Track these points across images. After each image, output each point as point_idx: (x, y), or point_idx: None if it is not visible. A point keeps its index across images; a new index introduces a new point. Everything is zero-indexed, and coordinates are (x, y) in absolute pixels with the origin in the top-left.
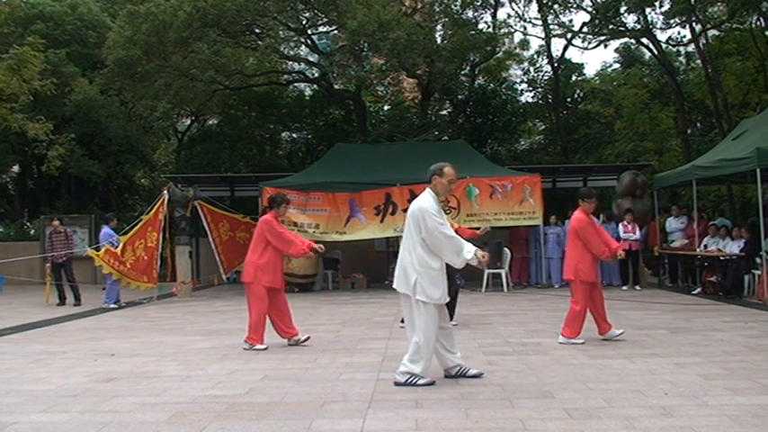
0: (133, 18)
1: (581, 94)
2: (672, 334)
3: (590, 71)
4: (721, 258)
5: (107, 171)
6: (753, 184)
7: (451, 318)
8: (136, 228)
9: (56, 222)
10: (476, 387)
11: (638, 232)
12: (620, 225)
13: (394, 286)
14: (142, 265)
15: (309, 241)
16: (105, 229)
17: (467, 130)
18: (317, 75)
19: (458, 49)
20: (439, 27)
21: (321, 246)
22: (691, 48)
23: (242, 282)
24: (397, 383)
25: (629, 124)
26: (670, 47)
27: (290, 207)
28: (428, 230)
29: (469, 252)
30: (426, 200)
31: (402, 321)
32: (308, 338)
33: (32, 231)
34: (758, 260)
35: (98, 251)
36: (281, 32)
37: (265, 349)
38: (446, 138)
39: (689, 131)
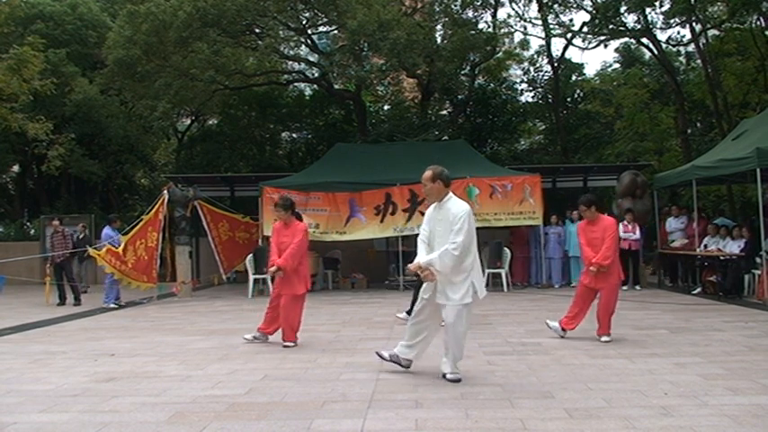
0: (133, 18)
1: (581, 94)
2: (672, 334)
3: (590, 71)
4: (721, 258)
5: (107, 171)
6: (753, 184)
7: (410, 311)
8: (137, 228)
9: (55, 222)
10: (476, 387)
11: (637, 232)
12: (621, 225)
13: None
14: (142, 265)
15: (275, 261)
16: (106, 230)
17: (467, 130)
18: (317, 75)
19: (458, 49)
20: (439, 27)
21: (274, 270)
22: (691, 48)
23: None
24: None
25: (629, 124)
26: (670, 47)
27: (278, 210)
28: None
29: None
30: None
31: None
32: (252, 341)
33: (32, 231)
34: (758, 260)
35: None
36: (281, 32)
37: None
38: (446, 138)
39: (689, 131)
